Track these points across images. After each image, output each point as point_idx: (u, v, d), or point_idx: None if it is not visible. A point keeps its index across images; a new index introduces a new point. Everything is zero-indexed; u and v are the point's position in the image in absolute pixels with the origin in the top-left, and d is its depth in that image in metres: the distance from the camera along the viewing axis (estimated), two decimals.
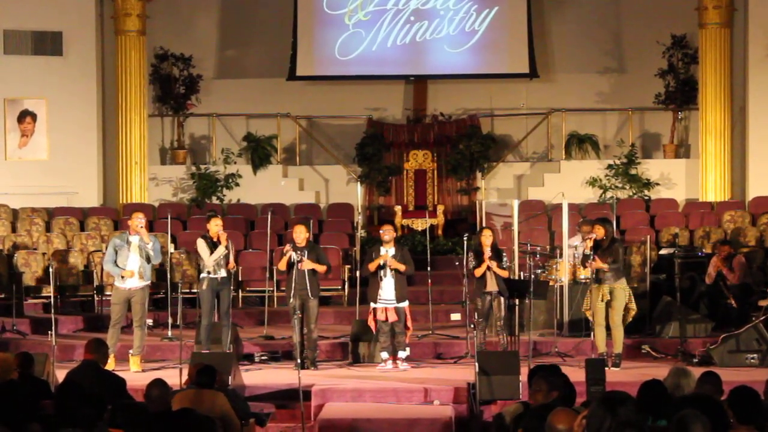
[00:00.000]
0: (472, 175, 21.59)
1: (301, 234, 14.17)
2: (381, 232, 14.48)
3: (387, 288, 14.08)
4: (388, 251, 14.14)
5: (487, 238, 14.26)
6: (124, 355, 14.27)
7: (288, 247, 14.22)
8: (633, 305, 13.97)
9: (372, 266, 14.17)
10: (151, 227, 19.29)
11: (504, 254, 14.44)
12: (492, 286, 14.14)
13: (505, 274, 14.24)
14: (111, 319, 14.27)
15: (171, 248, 17.40)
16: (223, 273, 14.29)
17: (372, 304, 14.22)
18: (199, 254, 14.64)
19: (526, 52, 21.67)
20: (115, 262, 14.16)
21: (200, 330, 14.27)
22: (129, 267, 14.11)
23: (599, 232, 14.00)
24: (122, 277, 14.11)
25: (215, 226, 14.44)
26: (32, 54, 20.51)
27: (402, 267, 14.06)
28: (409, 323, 14.21)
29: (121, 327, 14.28)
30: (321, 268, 14.18)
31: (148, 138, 21.07)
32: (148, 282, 14.41)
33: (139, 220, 14.22)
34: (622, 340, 13.91)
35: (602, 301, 13.82)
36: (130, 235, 14.26)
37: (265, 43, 22.38)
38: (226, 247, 14.29)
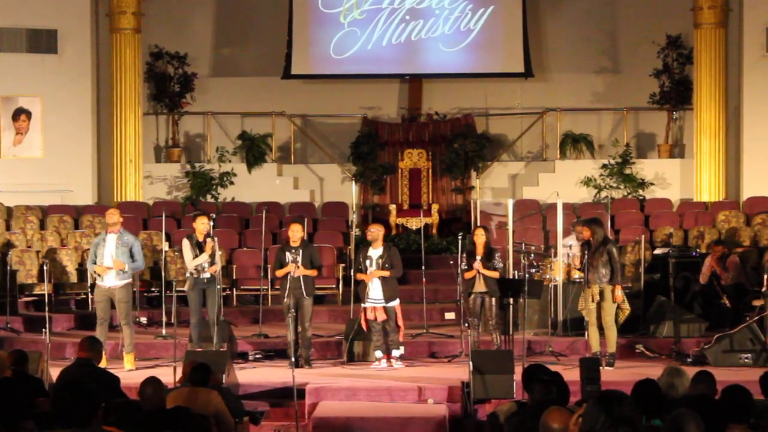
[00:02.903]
0: (466, 174, 21.60)
1: (297, 233, 14.17)
2: (366, 232, 14.45)
3: (374, 288, 14.07)
4: (372, 253, 14.12)
5: (479, 238, 14.27)
6: (115, 354, 14.27)
7: (290, 257, 14.11)
8: (625, 305, 13.97)
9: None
10: (145, 225, 19.34)
11: (498, 253, 14.43)
12: (480, 286, 14.14)
13: (494, 275, 14.18)
14: (97, 317, 14.28)
15: (165, 246, 17.39)
16: (207, 274, 14.26)
17: (362, 304, 14.23)
18: (182, 255, 14.63)
19: (521, 51, 21.69)
20: (95, 261, 14.18)
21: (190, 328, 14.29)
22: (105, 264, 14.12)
23: (585, 233, 14.04)
24: (97, 273, 14.12)
25: (201, 224, 14.40)
26: (27, 52, 20.49)
27: (385, 273, 14.06)
28: (400, 322, 14.16)
29: (108, 325, 14.27)
30: (313, 273, 14.20)
31: (142, 136, 21.05)
32: (129, 280, 14.36)
33: (110, 217, 14.25)
34: (615, 339, 13.93)
35: (593, 301, 13.85)
36: (107, 234, 14.25)
37: (260, 41, 22.38)
38: (210, 255, 14.19)
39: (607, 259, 13.83)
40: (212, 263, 14.27)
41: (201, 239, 14.33)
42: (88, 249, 17.84)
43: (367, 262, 14.10)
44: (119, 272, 14.11)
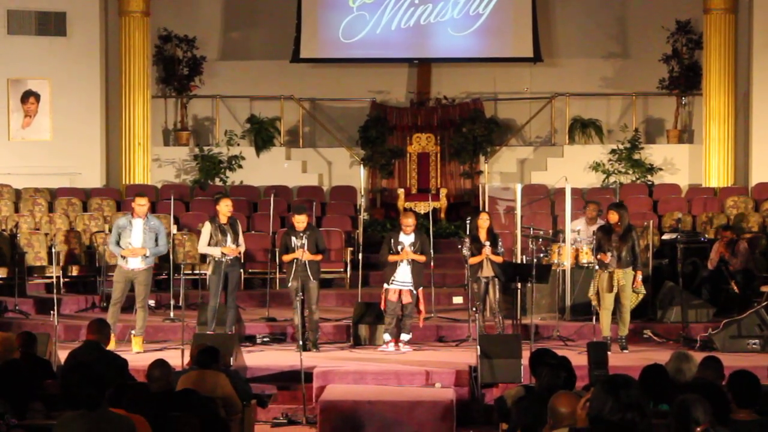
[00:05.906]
0: (475, 158, 21.57)
1: (301, 223, 14.14)
2: (403, 225, 14.34)
3: (403, 273, 14.07)
4: (404, 239, 14.11)
5: (484, 222, 14.29)
6: (124, 336, 14.28)
7: (297, 242, 14.10)
8: (641, 289, 14.03)
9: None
10: (153, 208, 19.31)
11: (500, 239, 14.46)
12: (488, 271, 14.17)
13: (499, 259, 14.24)
14: (112, 297, 14.26)
15: (174, 229, 17.40)
16: (230, 255, 14.22)
17: (385, 285, 14.19)
18: (199, 235, 14.59)
19: (530, 36, 21.63)
20: (118, 243, 14.15)
21: (206, 311, 14.23)
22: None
23: (613, 217, 14.01)
24: (123, 257, 14.09)
25: (225, 207, 14.34)
26: (36, 34, 20.47)
27: (421, 258, 14.09)
28: (421, 306, 14.22)
29: (120, 306, 14.25)
30: (318, 258, 14.19)
31: (151, 119, 21.04)
32: (152, 264, 14.38)
33: (141, 209, 14.19)
34: (628, 323, 14.01)
35: (617, 285, 13.82)
36: (133, 218, 14.23)
37: (269, 25, 22.35)
38: (223, 254, 14.16)
39: (631, 244, 13.84)
40: (237, 245, 14.27)
41: (224, 222, 14.28)
42: (97, 231, 17.95)
43: (399, 247, 14.09)
44: (144, 256, 14.12)
